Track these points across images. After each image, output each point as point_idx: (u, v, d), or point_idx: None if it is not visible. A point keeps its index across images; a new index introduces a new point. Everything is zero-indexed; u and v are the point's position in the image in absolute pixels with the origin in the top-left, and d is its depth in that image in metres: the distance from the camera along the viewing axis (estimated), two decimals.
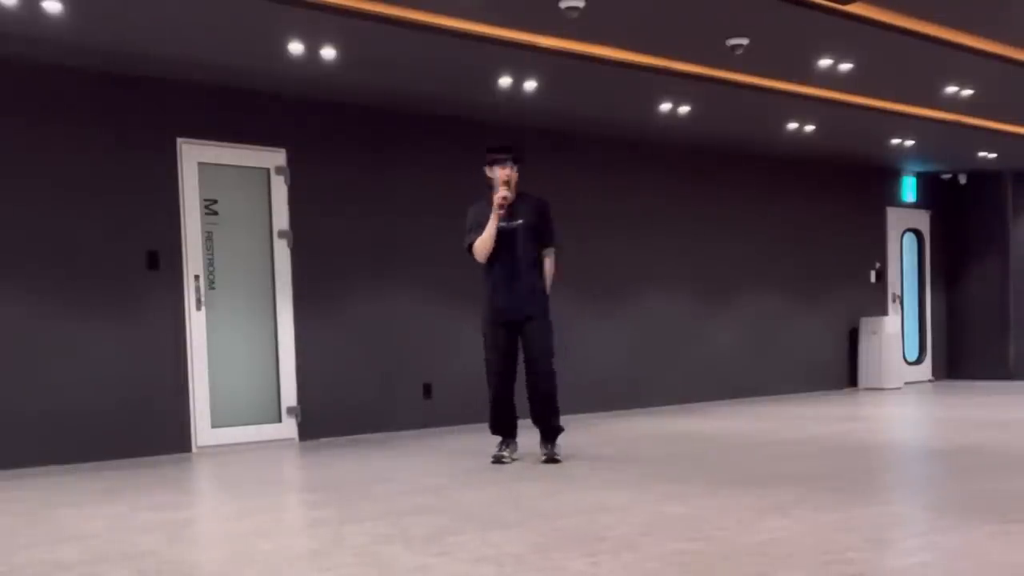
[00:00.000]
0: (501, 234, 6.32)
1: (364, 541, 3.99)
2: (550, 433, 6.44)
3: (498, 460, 6.40)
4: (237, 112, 7.88)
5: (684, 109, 8.96)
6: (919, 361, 13.83)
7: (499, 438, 6.57)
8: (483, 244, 6.31)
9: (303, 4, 6.03)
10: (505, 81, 7.86)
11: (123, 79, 7.35)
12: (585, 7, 6.20)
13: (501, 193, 6.26)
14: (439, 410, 8.89)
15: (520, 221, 6.36)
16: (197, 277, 7.68)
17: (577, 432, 7.94)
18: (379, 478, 5.92)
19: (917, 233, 13.75)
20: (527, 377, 6.41)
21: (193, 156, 7.69)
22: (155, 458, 7.30)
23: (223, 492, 5.88)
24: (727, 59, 7.49)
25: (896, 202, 13.31)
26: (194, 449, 7.63)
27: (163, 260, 7.52)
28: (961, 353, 13.92)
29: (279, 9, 6.07)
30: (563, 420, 6.41)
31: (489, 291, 6.45)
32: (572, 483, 5.45)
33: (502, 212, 6.27)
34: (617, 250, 10.25)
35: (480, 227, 6.35)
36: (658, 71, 7.70)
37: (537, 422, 6.47)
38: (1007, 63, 7.82)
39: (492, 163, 6.45)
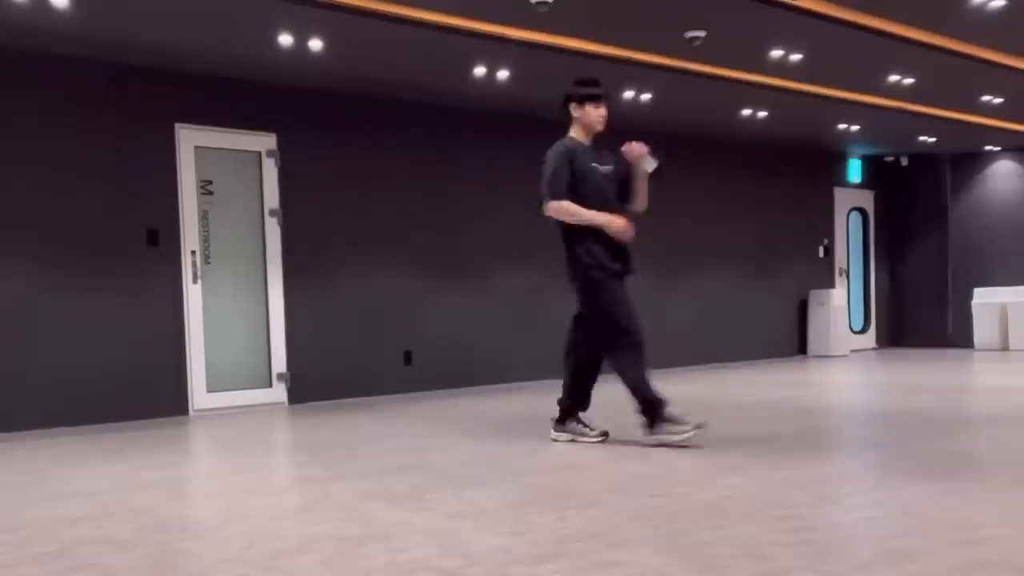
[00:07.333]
0: (606, 178, 5.31)
1: (349, 497, 4.00)
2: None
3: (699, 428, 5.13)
4: (231, 99, 7.83)
5: (646, 97, 8.96)
6: (864, 331, 13.95)
7: (665, 403, 5.35)
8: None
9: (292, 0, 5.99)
10: (479, 71, 7.82)
11: (125, 68, 7.29)
12: (553, 2, 6.18)
13: (639, 151, 5.24)
14: (418, 376, 8.91)
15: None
16: (194, 253, 7.63)
17: (546, 397, 7.96)
18: (363, 439, 5.93)
19: (862, 212, 13.84)
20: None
21: (190, 140, 7.64)
22: (155, 421, 7.29)
23: (218, 452, 5.86)
24: (686, 50, 7.50)
25: (843, 183, 13.39)
26: (191, 412, 7.61)
27: (162, 237, 7.48)
28: (903, 323, 14.06)
29: (270, 4, 6.06)
30: (532, 385, 6.13)
31: (601, 242, 5.22)
32: (543, 444, 5.48)
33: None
34: None
35: (574, 175, 5.20)
36: (621, 61, 7.70)
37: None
38: (945, 53, 7.87)
39: (587, 99, 5.29)
